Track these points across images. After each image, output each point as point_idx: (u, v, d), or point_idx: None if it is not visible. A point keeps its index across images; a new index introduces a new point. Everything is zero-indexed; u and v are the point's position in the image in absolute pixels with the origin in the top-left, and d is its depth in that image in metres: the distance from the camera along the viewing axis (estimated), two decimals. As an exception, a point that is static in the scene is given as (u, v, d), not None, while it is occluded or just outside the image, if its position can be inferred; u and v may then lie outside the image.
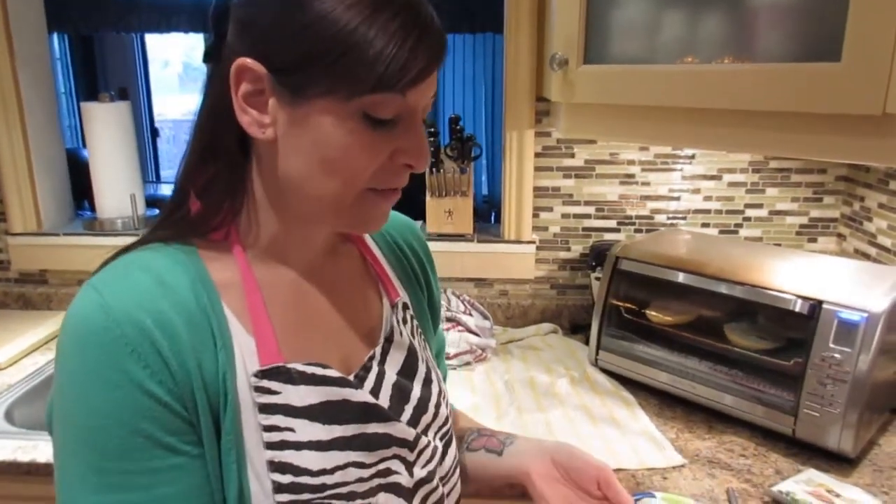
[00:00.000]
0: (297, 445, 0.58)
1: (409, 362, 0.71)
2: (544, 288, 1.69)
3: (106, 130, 1.67)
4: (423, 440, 0.67)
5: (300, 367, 0.60)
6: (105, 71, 3.90)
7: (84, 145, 1.80)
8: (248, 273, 0.61)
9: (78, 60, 3.79)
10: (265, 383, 0.58)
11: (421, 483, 0.67)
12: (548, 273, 1.68)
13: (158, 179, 4.66)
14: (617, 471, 1.04)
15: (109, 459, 0.52)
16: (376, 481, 0.63)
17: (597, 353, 1.38)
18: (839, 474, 1.03)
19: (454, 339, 1.46)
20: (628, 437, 1.15)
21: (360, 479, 0.61)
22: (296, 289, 0.65)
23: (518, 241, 1.64)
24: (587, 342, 1.44)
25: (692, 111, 1.02)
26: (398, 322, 0.72)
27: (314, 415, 0.59)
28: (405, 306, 0.75)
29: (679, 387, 1.24)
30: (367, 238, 0.77)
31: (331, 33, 0.53)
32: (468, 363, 1.45)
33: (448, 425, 0.73)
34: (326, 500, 0.59)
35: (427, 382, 0.72)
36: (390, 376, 0.68)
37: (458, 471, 0.75)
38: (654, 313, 1.31)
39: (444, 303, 1.55)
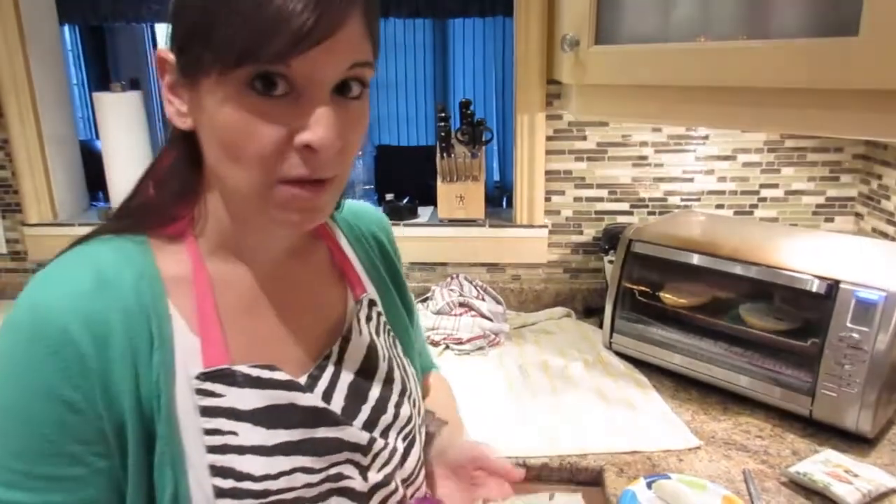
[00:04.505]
0: (240, 450, 0.56)
1: (368, 361, 0.68)
2: (557, 272, 1.68)
3: (118, 120, 1.67)
4: (380, 443, 0.65)
5: (245, 369, 0.58)
6: (116, 62, 3.91)
7: (97, 137, 1.81)
8: (200, 268, 0.59)
9: (89, 52, 3.81)
10: (208, 386, 0.56)
11: (377, 487, 0.65)
12: (560, 257, 1.67)
13: (171, 169, 4.67)
14: (632, 453, 1.04)
15: (9, 457, 0.51)
16: (326, 486, 0.61)
17: (611, 337, 1.38)
18: (857, 454, 1.02)
19: (467, 324, 1.46)
20: (643, 420, 1.14)
21: (308, 485, 0.59)
22: (253, 288, 0.63)
23: (530, 226, 1.63)
24: (601, 325, 1.44)
25: (706, 90, 1.01)
26: (360, 319, 0.69)
27: (258, 419, 0.57)
28: (371, 302, 0.72)
29: (694, 369, 1.24)
30: (337, 231, 0.75)
31: (200, 4, 0.50)
32: (481, 348, 1.45)
33: (411, 425, 0.71)
34: None
35: (388, 382, 0.69)
36: (346, 376, 0.66)
37: (423, 471, 0.72)
38: (668, 296, 1.30)
39: (456, 288, 1.55)
